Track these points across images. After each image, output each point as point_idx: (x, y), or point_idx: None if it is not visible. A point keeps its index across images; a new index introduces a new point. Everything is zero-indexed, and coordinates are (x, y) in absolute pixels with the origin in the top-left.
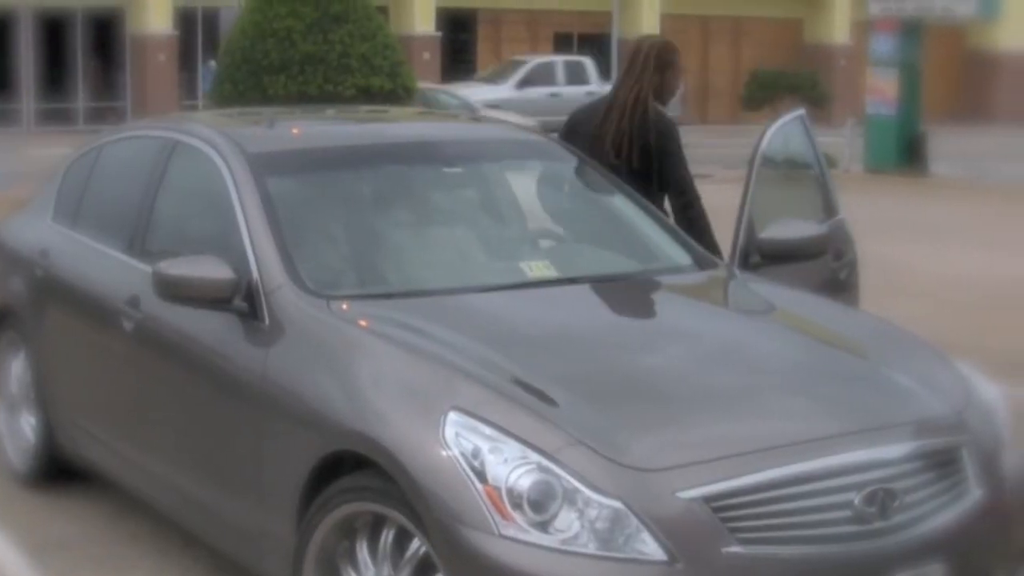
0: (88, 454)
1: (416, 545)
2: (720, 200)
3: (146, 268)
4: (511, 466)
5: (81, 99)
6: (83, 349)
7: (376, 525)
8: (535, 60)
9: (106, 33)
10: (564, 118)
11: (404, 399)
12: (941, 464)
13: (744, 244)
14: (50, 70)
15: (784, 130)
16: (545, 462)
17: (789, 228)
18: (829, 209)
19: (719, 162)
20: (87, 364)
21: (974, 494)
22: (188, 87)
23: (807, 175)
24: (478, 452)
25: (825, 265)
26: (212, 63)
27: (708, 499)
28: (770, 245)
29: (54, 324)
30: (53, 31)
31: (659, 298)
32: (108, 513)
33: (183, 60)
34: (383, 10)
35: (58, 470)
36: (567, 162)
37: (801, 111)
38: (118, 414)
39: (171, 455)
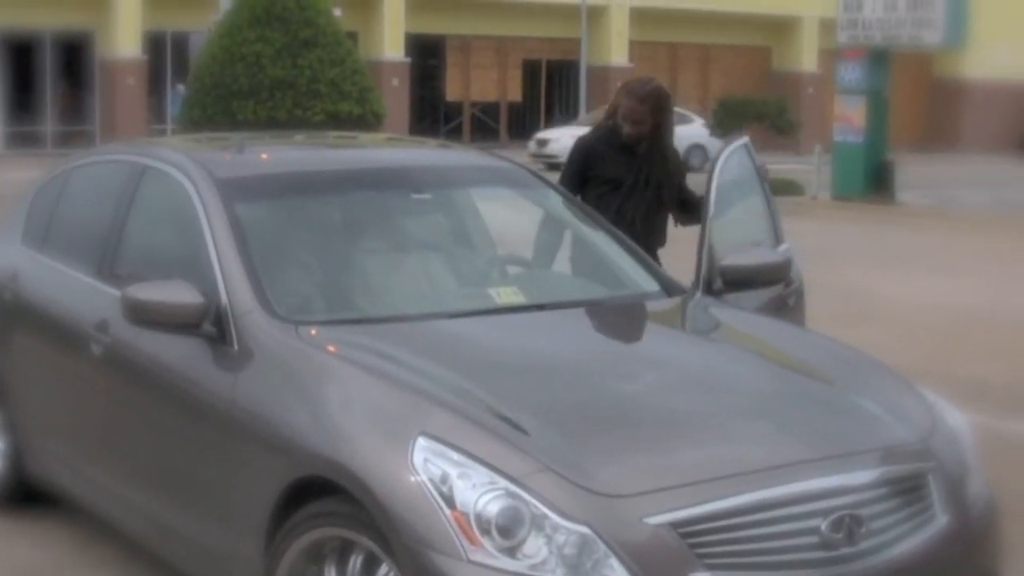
0: (57, 479)
1: (384, 570)
2: (696, 227)
3: (115, 292)
4: (479, 492)
5: (49, 122)
6: (52, 373)
7: (345, 550)
8: None
9: (75, 56)
10: None
11: (372, 424)
12: (908, 490)
13: (707, 271)
14: (18, 93)
15: (732, 158)
16: (513, 488)
17: (751, 255)
18: (775, 236)
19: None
20: (56, 388)
21: (940, 520)
22: (157, 111)
23: (754, 203)
24: (446, 477)
25: (776, 292)
26: (181, 87)
27: (676, 525)
28: (733, 271)
29: (22, 348)
30: (21, 54)
31: (627, 324)
32: (77, 538)
33: (152, 84)
34: (352, 35)
35: (26, 495)
36: (535, 188)
37: (746, 138)
38: (87, 438)
39: (140, 480)
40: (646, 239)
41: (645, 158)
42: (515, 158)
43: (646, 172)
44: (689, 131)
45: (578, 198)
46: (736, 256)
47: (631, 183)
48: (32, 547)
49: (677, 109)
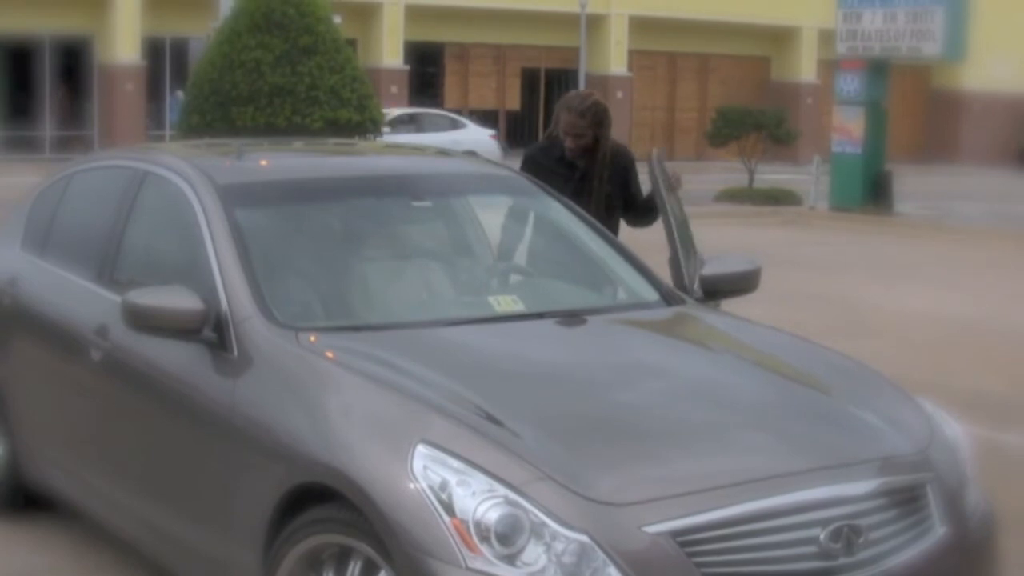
0: (54, 483)
1: None
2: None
3: (115, 297)
4: (479, 499)
5: (48, 127)
6: (50, 378)
7: (343, 557)
8: None
9: (74, 61)
10: None
11: (372, 431)
12: (906, 501)
13: (686, 278)
14: (17, 98)
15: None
16: (512, 495)
17: (728, 263)
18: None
19: (684, 198)
20: (54, 393)
21: (938, 531)
22: (156, 117)
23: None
24: (446, 485)
25: None
26: (180, 93)
27: (675, 534)
28: (712, 280)
29: (21, 352)
30: (20, 59)
31: (626, 333)
32: (74, 543)
33: (151, 90)
34: (351, 43)
35: (24, 499)
36: (535, 196)
37: (659, 149)
38: (85, 443)
39: (138, 485)
40: None
41: (586, 170)
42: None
43: (588, 184)
44: (463, 136)
45: None
46: (715, 264)
47: (571, 194)
48: (30, 552)
49: (445, 112)
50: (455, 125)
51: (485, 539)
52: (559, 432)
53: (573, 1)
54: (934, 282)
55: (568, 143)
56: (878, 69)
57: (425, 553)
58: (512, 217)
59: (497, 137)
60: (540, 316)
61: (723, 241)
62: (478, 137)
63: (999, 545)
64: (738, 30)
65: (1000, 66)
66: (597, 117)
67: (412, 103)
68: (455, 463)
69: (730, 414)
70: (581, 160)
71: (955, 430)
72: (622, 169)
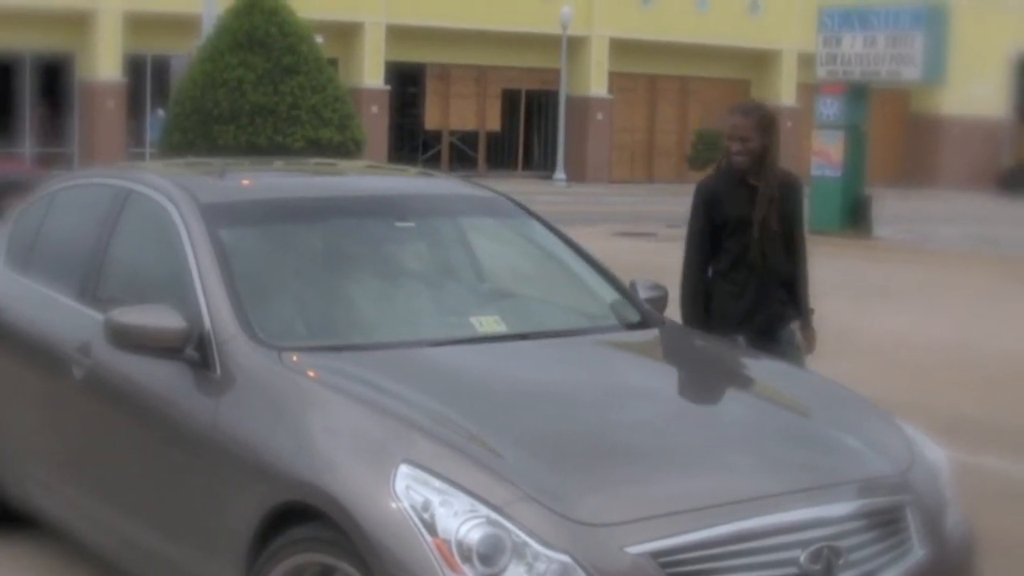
0: (36, 501)
1: None
2: (672, 258)
3: (98, 316)
4: (461, 519)
5: (28, 144)
6: (32, 395)
7: None
8: None
9: (55, 78)
10: None
11: (354, 451)
12: (886, 523)
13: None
14: None
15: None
16: (495, 516)
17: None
18: None
19: (663, 220)
20: (36, 410)
21: (918, 553)
22: (136, 135)
23: None
24: (428, 505)
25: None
26: (161, 111)
27: (656, 555)
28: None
29: (3, 369)
30: (1, 76)
31: (608, 355)
32: (55, 562)
33: (131, 108)
34: (333, 62)
35: (5, 517)
36: (518, 218)
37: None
38: (67, 461)
39: (120, 503)
40: (777, 279)
41: (766, 190)
42: (497, 187)
43: (773, 207)
44: None
45: (707, 246)
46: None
47: (759, 219)
48: (11, 570)
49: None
50: None
51: (467, 559)
52: (541, 452)
53: (554, 23)
54: (914, 305)
55: (733, 148)
56: (858, 93)
57: (407, 573)
58: (495, 238)
59: None
60: (523, 337)
61: None
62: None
63: (977, 568)
64: (718, 53)
65: (979, 90)
66: (763, 121)
67: (392, 123)
68: (437, 483)
69: (712, 436)
70: (754, 179)
71: (935, 453)
72: (791, 193)
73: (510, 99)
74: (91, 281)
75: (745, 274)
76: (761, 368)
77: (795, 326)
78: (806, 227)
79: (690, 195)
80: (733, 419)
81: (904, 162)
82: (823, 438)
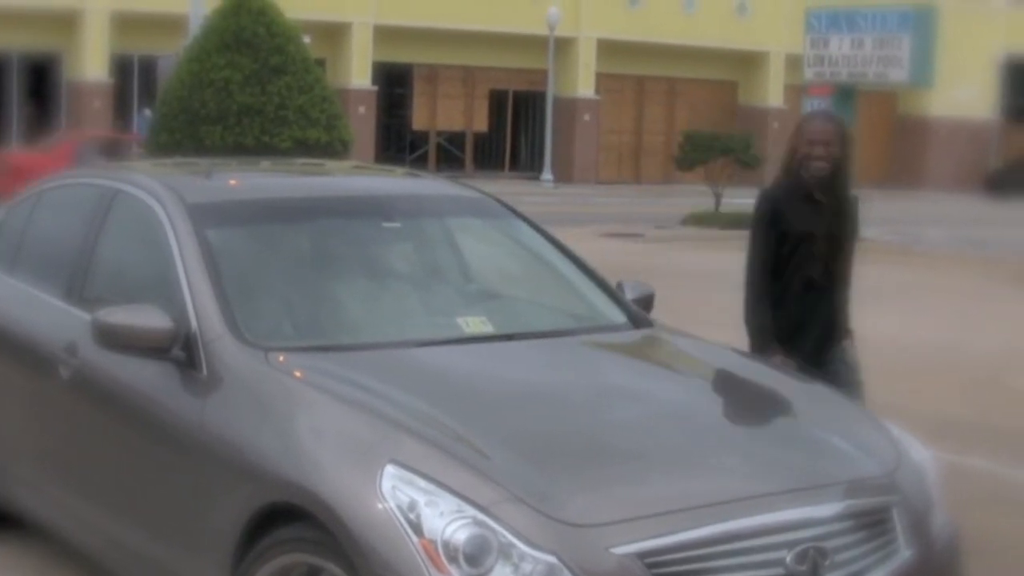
0: (22, 501)
1: None
2: (661, 260)
3: (84, 315)
4: (447, 520)
5: (15, 144)
6: (18, 395)
7: None
8: None
9: (42, 78)
10: None
11: (341, 451)
12: (872, 524)
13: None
14: None
15: None
16: (481, 516)
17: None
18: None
19: (651, 221)
20: (22, 410)
21: (904, 554)
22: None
23: None
24: (414, 505)
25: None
26: (147, 111)
27: (642, 555)
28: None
29: None
30: None
31: (595, 355)
32: (41, 561)
33: (118, 107)
34: (320, 63)
35: None
36: (505, 218)
37: None
38: (53, 461)
39: (107, 503)
40: (834, 295)
41: (831, 205)
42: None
43: (837, 221)
44: None
45: (768, 257)
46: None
47: (824, 234)
48: None
49: None
50: None
51: (453, 559)
52: (528, 453)
53: (542, 23)
54: (901, 307)
55: (816, 152)
56: (845, 95)
57: (393, 573)
58: (482, 239)
59: None
60: (509, 337)
61: (689, 265)
62: None
63: (963, 569)
64: (706, 54)
65: (966, 92)
66: (844, 131)
67: (379, 124)
68: (424, 483)
69: (699, 436)
70: (824, 193)
71: (922, 454)
72: (853, 209)
73: (497, 100)
74: (78, 281)
75: (802, 290)
76: (748, 369)
77: (847, 343)
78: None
79: (679, 196)
80: (720, 420)
81: (891, 164)
82: (810, 439)
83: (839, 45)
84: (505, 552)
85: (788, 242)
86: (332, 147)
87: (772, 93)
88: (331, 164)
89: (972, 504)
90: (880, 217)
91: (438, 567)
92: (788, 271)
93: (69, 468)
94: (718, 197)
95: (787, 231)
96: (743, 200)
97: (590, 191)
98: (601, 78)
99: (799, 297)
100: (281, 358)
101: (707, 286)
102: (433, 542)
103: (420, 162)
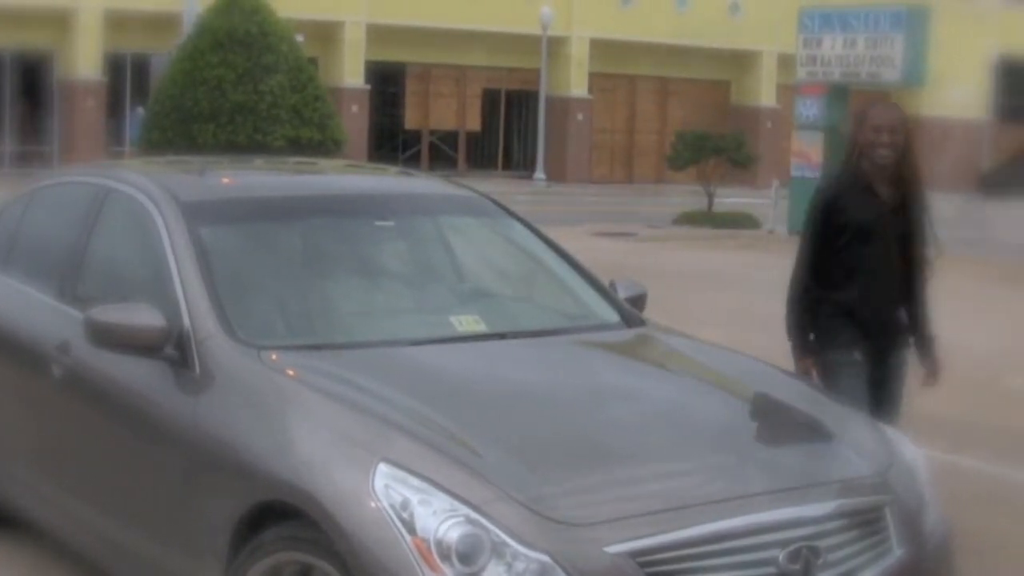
0: (15, 500)
1: None
2: (654, 259)
3: (77, 314)
4: (440, 518)
5: (7, 142)
6: (11, 393)
7: (304, 574)
8: None
9: (34, 77)
10: None
11: (334, 450)
12: (865, 523)
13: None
14: None
15: None
16: (474, 515)
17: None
18: None
19: (643, 220)
20: (14, 409)
21: (896, 552)
22: (116, 133)
23: None
24: (407, 504)
25: None
26: (140, 110)
27: (635, 554)
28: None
29: None
30: None
31: (588, 355)
32: (38, 561)
33: (111, 106)
34: (313, 61)
35: None
36: (498, 217)
37: None
38: (46, 459)
39: (100, 501)
40: (892, 295)
41: (893, 199)
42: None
43: (900, 218)
44: None
45: (822, 256)
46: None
47: (881, 229)
48: None
49: None
50: None
51: (446, 558)
52: (521, 452)
53: (534, 23)
54: None
55: (882, 139)
56: (838, 94)
57: (386, 572)
58: (475, 238)
59: None
60: (502, 336)
61: (682, 264)
62: None
63: (956, 568)
64: (698, 54)
65: (959, 92)
66: (905, 119)
67: (372, 123)
68: (416, 482)
69: (692, 436)
70: (886, 185)
71: (914, 453)
72: (919, 205)
73: (490, 99)
74: (71, 279)
75: (860, 290)
76: (741, 368)
77: (911, 352)
78: (786, 227)
79: (671, 195)
80: (713, 419)
81: None
82: (802, 439)
83: (832, 45)
84: (498, 551)
85: (844, 236)
86: (325, 146)
87: (765, 93)
88: (324, 163)
89: (964, 503)
90: None
91: (431, 566)
92: (844, 268)
93: (63, 467)
94: (710, 196)
95: (844, 224)
96: (735, 199)
97: (583, 190)
98: (594, 77)
99: (857, 298)
100: (274, 356)
101: (700, 285)
102: (426, 540)
103: (413, 161)
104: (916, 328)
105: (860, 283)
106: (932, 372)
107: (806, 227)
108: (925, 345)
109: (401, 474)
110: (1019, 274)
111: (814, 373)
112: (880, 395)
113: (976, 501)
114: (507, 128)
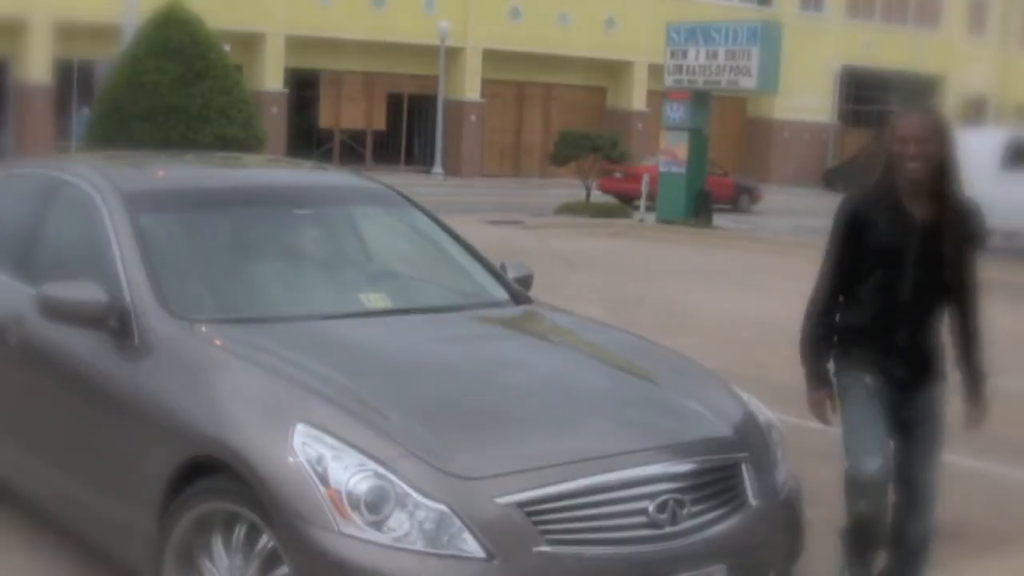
0: None
1: (265, 540)
2: (538, 244)
3: (30, 290)
4: (351, 472)
5: None
6: None
7: (230, 521)
8: None
9: None
10: None
11: (257, 411)
12: (724, 478)
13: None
14: None
15: None
16: (381, 470)
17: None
18: None
19: (529, 210)
20: None
21: (751, 504)
22: (64, 131)
23: None
24: (322, 459)
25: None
26: (86, 110)
27: (522, 504)
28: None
29: None
30: None
31: (481, 329)
32: (6, 522)
33: (60, 107)
34: (238, 68)
35: None
36: (402, 207)
37: None
38: (4, 419)
39: (51, 458)
40: (918, 325)
41: (926, 217)
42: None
43: (934, 239)
44: None
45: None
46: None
47: (914, 253)
48: None
49: None
50: None
51: (356, 507)
52: (422, 415)
53: (434, 35)
54: (748, 287)
55: (911, 150)
56: (701, 99)
57: (302, 519)
58: (382, 225)
59: None
60: (405, 312)
61: (563, 249)
62: None
63: (803, 516)
64: (578, 63)
65: (806, 98)
66: (943, 126)
67: (290, 122)
68: (330, 440)
69: (573, 401)
70: (917, 201)
71: (766, 416)
72: (961, 223)
73: (394, 102)
74: (25, 259)
75: (885, 316)
76: (617, 341)
77: (947, 389)
78: (655, 217)
79: (553, 189)
80: (591, 386)
81: (741, 161)
82: (669, 403)
83: (696, 56)
84: (401, 501)
85: (869, 258)
86: (248, 143)
87: (636, 98)
88: (248, 158)
89: (810, 459)
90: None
91: (342, 514)
92: (869, 292)
93: (19, 426)
94: (588, 190)
95: (868, 244)
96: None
97: (476, 183)
98: (486, 83)
99: (882, 325)
100: (204, 329)
101: (578, 267)
102: (338, 492)
103: (326, 157)
104: (963, 364)
105: (884, 311)
106: (976, 416)
107: (829, 249)
108: (972, 384)
109: (316, 433)
110: None
111: (828, 406)
112: (908, 443)
113: (821, 457)
114: (409, 128)
